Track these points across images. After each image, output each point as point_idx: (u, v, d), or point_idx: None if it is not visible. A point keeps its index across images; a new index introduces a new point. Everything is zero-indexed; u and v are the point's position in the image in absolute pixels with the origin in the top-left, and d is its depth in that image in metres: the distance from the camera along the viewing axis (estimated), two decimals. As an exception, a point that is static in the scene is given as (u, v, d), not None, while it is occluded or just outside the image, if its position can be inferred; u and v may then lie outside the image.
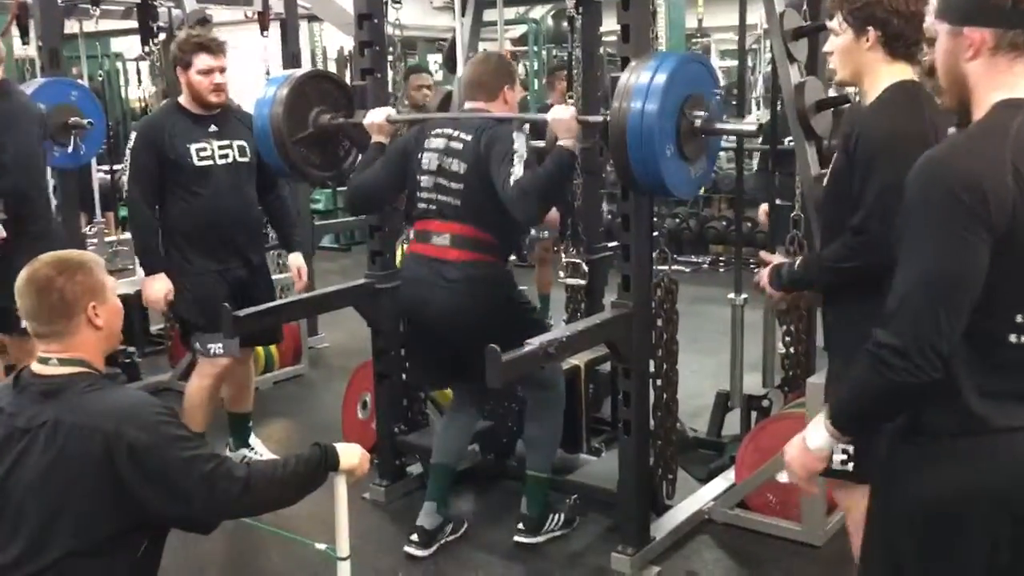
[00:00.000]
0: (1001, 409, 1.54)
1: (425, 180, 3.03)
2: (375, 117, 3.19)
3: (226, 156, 3.59)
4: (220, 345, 3.54)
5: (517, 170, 2.78)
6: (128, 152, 3.60)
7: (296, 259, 3.96)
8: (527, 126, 3.02)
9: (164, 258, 3.58)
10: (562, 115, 2.79)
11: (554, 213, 5.79)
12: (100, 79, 8.19)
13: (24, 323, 1.92)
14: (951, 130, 2.18)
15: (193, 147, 3.52)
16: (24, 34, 4.74)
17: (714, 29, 12.19)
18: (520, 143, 2.85)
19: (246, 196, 3.67)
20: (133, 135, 3.62)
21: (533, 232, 5.79)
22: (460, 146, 2.98)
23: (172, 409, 1.93)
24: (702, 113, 2.57)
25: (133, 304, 4.43)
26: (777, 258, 2.52)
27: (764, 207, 3.81)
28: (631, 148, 2.49)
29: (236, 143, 3.62)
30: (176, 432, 1.85)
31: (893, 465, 1.64)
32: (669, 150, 2.51)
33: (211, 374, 3.62)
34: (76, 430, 1.80)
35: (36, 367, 1.90)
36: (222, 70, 3.56)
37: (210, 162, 3.55)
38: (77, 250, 2.10)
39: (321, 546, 2.11)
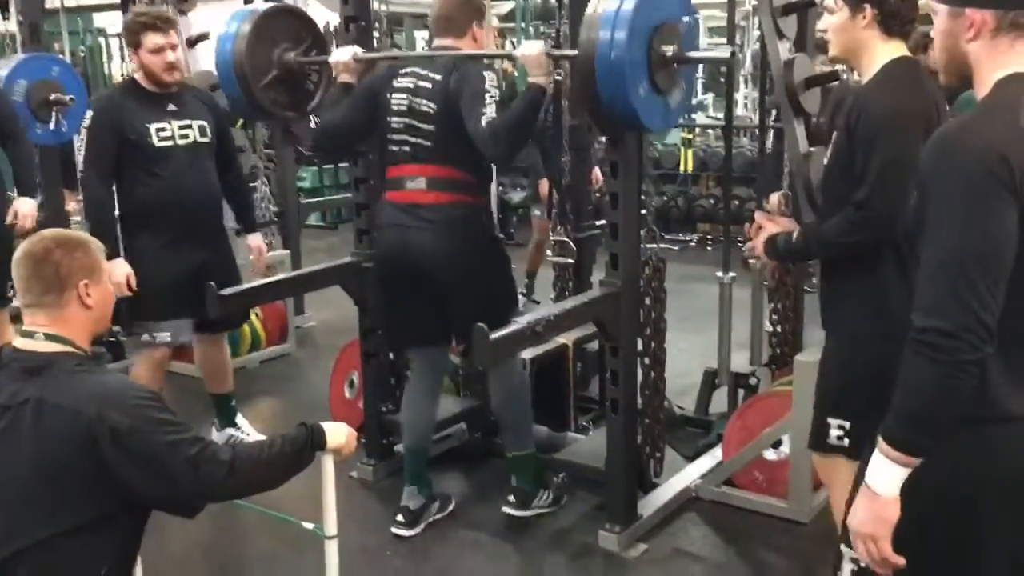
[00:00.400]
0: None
1: (396, 121, 2.97)
2: (341, 56, 3.11)
3: (186, 136, 3.49)
4: (168, 333, 3.48)
5: (489, 110, 2.73)
6: (84, 131, 3.45)
7: (255, 239, 3.90)
8: (497, 64, 3.01)
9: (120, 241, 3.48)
10: (531, 51, 2.72)
11: (546, 188, 5.81)
12: (82, 55, 8.10)
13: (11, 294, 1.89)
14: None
15: (153, 127, 3.42)
16: (4, 9, 4.68)
17: (702, 5, 12.13)
18: (491, 83, 2.80)
19: (208, 177, 3.56)
20: (89, 114, 3.47)
21: (536, 212, 5.79)
22: (429, 85, 2.92)
23: (156, 394, 1.91)
24: (673, 41, 2.46)
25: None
26: (772, 227, 2.47)
27: (775, 196, 3.46)
28: (600, 81, 2.38)
29: (196, 123, 3.52)
30: (159, 416, 1.83)
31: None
32: (640, 82, 2.40)
33: (155, 361, 3.54)
34: (59, 411, 1.77)
35: (20, 342, 1.88)
36: (173, 47, 3.46)
37: (171, 142, 3.45)
38: (81, 232, 2.06)
39: (309, 525, 2.10)
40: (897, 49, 2.20)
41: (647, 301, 3.21)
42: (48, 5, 5.11)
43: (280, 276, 3.98)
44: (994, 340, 1.43)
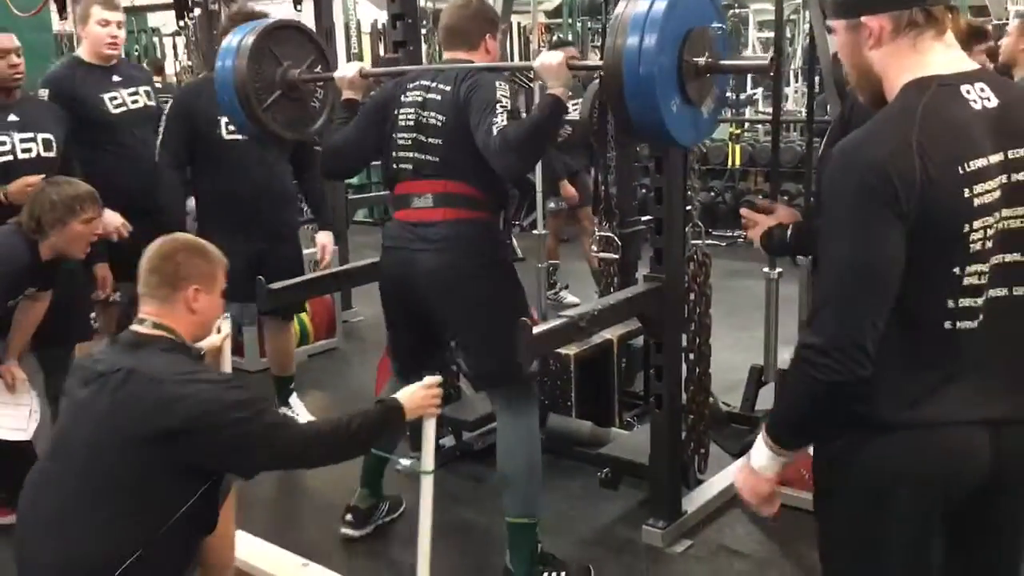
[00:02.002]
0: (938, 403, 1.52)
1: (403, 137, 2.78)
2: (347, 71, 2.93)
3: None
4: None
5: (500, 119, 2.52)
6: (164, 120, 3.65)
7: (323, 237, 4.05)
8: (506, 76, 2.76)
9: None
10: (551, 60, 2.47)
11: (570, 188, 5.80)
12: (136, 54, 8.26)
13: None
14: None
15: (223, 120, 3.55)
16: (62, 9, 4.80)
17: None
18: (504, 92, 2.59)
19: (272, 171, 3.71)
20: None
21: (552, 204, 5.79)
22: (439, 97, 2.72)
23: (234, 377, 2.12)
24: (705, 49, 2.24)
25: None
26: (769, 220, 2.30)
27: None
28: (629, 96, 2.17)
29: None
30: (237, 397, 1.97)
31: (833, 450, 1.63)
32: (672, 96, 2.19)
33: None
34: (145, 381, 1.94)
35: (133, 326, 2.10)
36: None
37: (238, 136, 3.55)
38: (210, 244, 2.28)
39: (406, 461, 2.37)
40: None
41: (692, 297, 3.19)
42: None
43: (327, 271, 4.03)
44: (871, 361, 1.45)
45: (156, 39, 10.24)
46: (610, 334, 3.60)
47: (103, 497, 1.93)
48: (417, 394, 2.24)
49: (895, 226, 1.42)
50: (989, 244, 1.47)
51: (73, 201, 3.04)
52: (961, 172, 1.43)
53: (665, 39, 2.13)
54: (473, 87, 2.65)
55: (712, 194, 8.07)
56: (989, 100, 1.49)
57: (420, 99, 2.76)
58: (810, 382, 1.49)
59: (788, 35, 8.75)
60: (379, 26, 9.61)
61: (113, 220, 3.56)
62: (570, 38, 10.05)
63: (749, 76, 11.43)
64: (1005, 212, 1.48)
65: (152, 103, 3.84)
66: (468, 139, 2.62)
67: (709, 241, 3.29)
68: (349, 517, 3.16)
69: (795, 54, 8.89)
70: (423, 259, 2.73)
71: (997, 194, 1.46)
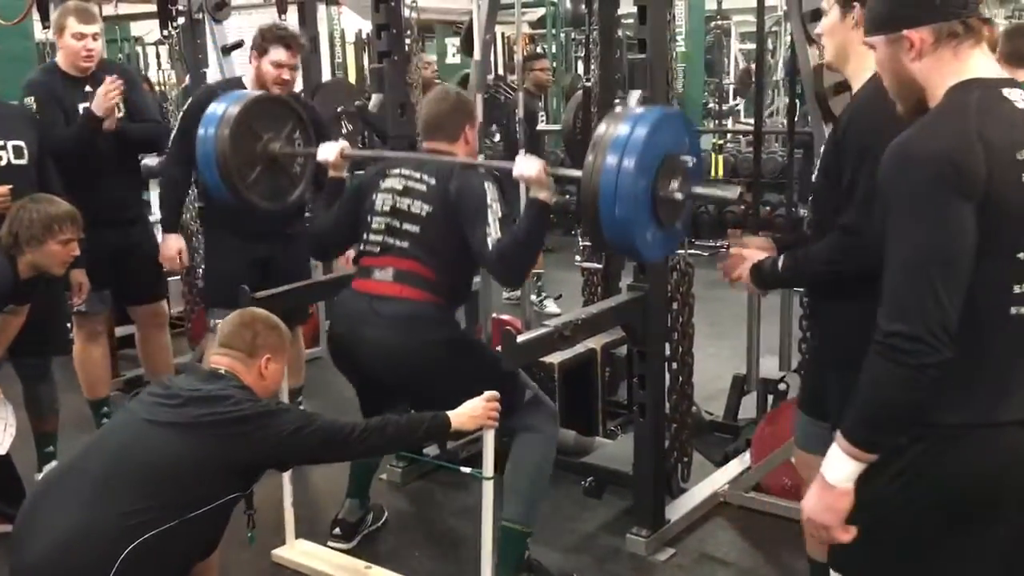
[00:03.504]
0: (1007, 402, 1.55)
1: (376, 222, 2.83)
2: (328, 154, 2.99)
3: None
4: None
5: (493, 231, 2.60)
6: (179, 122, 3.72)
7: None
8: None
9: None
10: (529, 170, 2.51)
11: None
12: (119, 62, 8.22)
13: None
14: None
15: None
16: (45, 18, 4.77)
17: (733, 11, 12.09)
18: (493, 196, 2.67)
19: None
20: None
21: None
22: (424, 188, 2.79)
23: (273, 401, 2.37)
24: (679, 175, 2.30)
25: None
26: (755, 254, 2.31)
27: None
28: (603, 216, 2.23)
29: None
30: (297, 420, 2.28)
31: (908, 456, 1.61)
32: (644, 221, 2.26)
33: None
34: (222, 401, 2.23)
35: (213, 359, 2.39)
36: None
37: None
38: (279, 320, 2.55)
39: (467, 470, 2.55)
40: None
41: (675, 306, 3.22)
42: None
43: (311, 280, 4.02)
44: (953, 344, 1.48)
45: (139, 48, 10.21)
46: (594, 343, 3.62)
47: (139, 483, 2.11)
48: (477, 408, 2.46)
49: (967, 211, 1.48)
50: None
51: (51, 221, 3.05)
52: (1019, 159, 1.50)
53: (642, 164, 2.20)
54: (463, 189, 2.71)
55: (695, 204, 8.11)
56: None
57: (400, 187, 2.82)
58: (899, 370, 1.49)
59: (770, 47, 8.81)
60: (363, 36, 9.63)
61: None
62: (554, 49, 10.11)
63: (732, 87, 11.57)
64: None
65: (122, 114, 3.79)
66: (449, 234, 2.71)
67: (692, 251, 3.31)
68: (337, 530, 3.15)
69: (777, 66, 8.95)
70: (374, 335, 2.73)
71: None
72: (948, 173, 1.48)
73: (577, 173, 2.35)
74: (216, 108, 3.03)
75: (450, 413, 2.45)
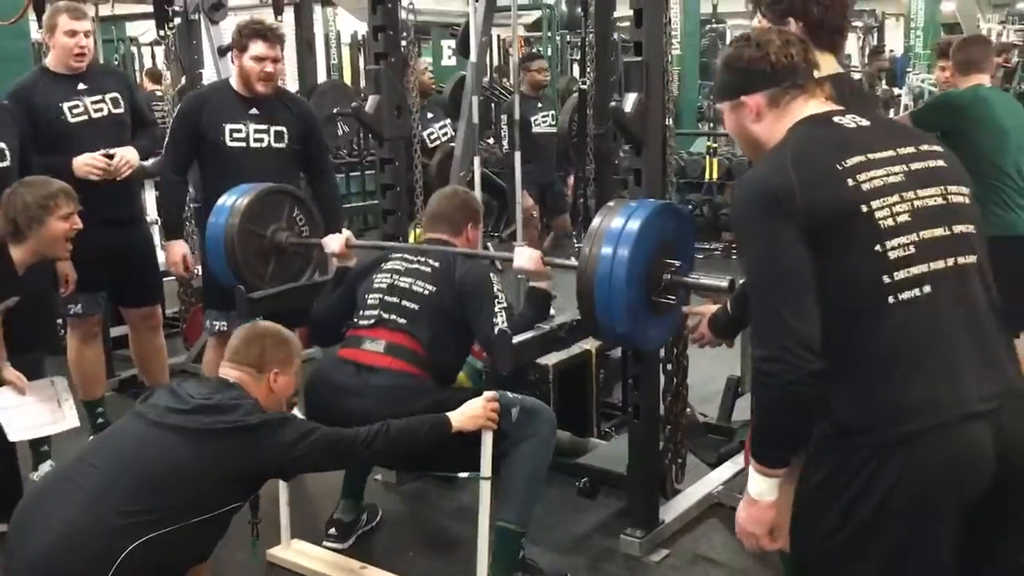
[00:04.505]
0: (922, 404, 1.57)
1: (373, 298, 2.90)
2: (333, 245, 3.12)
3: (261, 140, 3.65)
4: (224, 323, 3.66)
5: (500, 320, 2.70)
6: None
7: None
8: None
9: None
10: (526, 262, 2.71)
11: (528, 200, 5.85)
12: (115, 63, 8.23)
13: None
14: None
15: (227, 127, 3.60)
16: (41, 17, 4.77)
17: (729, 15, 12.15)
18: (499, 286, 2.80)
19: (278, 181, 3.60)
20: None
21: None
22: (428, 270, 2.89)
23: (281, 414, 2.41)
24: (673, 264, 2.41)
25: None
26: (709, 308, 2.44)
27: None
28: (599, 307, 2.33)
29: (275, 128, 3.67)
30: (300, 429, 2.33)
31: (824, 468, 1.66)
32: (639, 311, 2.37)
33: (218, 348, 3.66)
34: (231, 410, 2.27)
35: (223, 370, 2.44)
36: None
37: (243, 144, 3.60)
38: (292, 335, 2.58)
39: (464, 474, 2.58)
40: (827, 63, 2.06)
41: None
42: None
43: (304, 281, 4.03)
44: (813, 355, 1.55)
45: (135, 48, 10.21)
46: (589, 344, 3.62)
47: (142, 489, 2.13)
48: (477, 408, 2.52)
49: (790, 227, 1.59)
50: (903, 219, 1.61)
51: (47, 199, 2.97)
52: (839, 168, 1.62)
53: (636, 255, 2.31)
54: (470, 278, 2.83)
55: (690, 207, 8.14)
56: (862, 121, 1.72)
57: (401, 268, 2.93)
58: (769, 392, 1.60)
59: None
60: (359, 38, 9.64)
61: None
62: (549, 52, 10.12)
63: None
64: (920, 193, 1.64)
65: (120, 110, 3.77)
66: (448, 316, 2.81)
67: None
68: (333, 531, 3.15)
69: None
70: (359, 406, 2.69)
71: (896, 179, 1.63)
72: (767, 202, 1.61)
73: (573, 263, 2.49)
74: (228, 198, 3.18)
75: (450, 414, 2.47)
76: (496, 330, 2.66)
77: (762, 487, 1.70)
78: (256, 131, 3.62)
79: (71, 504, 2.11)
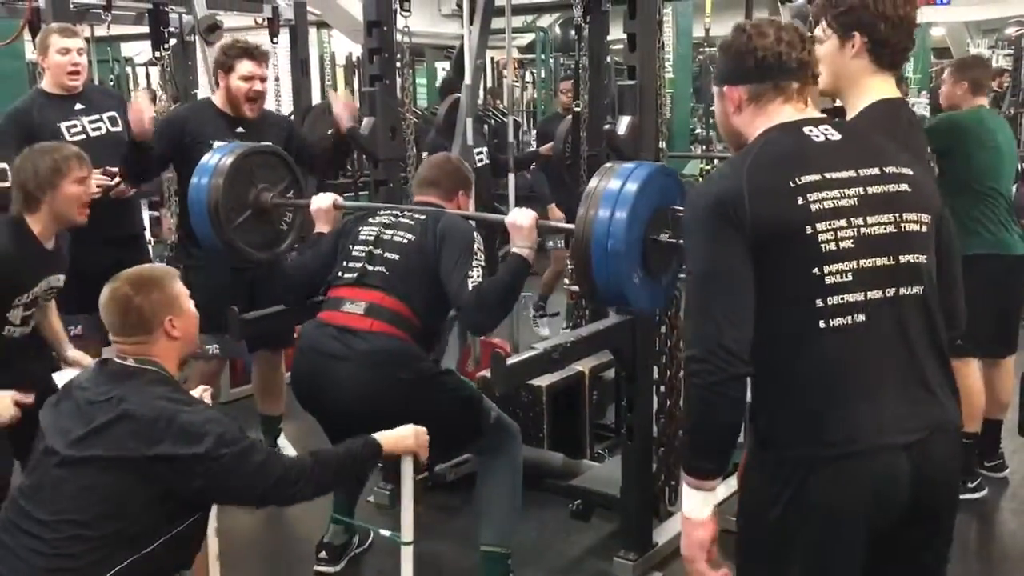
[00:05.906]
0: (848, 426, 1.58)
1: (357, 249, 2.79)
2: (321, 202, 3.02)
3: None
4: (216, 346, 3.60)
5: (475, 275, 2.60)
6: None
7: None
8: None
9: None
10: (522, 221, 2.58)
11: (557, 211, 5.86)
12: (111, 84, 8.24)
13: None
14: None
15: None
16: (35, 39, 4.79)
17: (722, 38, 12.20)
18: (479, 244, 2.69)
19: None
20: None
21: (550, 243, 5.86)
22: (411, 222, 2.80)
23: (220, 415, 2.05)
24: (669, 227, 2.38)
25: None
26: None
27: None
28: (596, 267, 2.31)
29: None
30: (221, 431, 1.96)
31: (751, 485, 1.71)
32: (635, 270, 2.34)
33: (205, 373, 3.68)
34: (133, 412, 1.95)
35: (118, 359, 2.09)
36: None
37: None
38: (151, 265, 2.24)
39: (386, 533, 2.30)
40: (885, 85, 2.07)
41: (663, 329, 3.23)
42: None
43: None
44: (741, 360, 1.56)
45: (130, 69, 10.24)
46: (582, 366, 3.63)
47: (81, 521, 1.91)
48: (408, 433, 2.27)
49: (735, 234, 1.59)
50: (846, 245, 1.59)
51: (57, 163, 2.83)
52: (792, 185, 1.60)
53: (634, 217, 2.28)
54: (452, 228, 2.72)
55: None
56: (833, 135, 1.68)
57: (388, 221, 2.83)
58: (695, 392, 1.60)
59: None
60: (353, 59, 9.69)
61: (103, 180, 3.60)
62: (543, 75, 10.18)
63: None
64: (870, 219, 1.61)
65: (118, 128, 3.79)
66: (426, 266, 2.69)
67: (680, 275, 3.32)
68: (323, 554, 3.13)
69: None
70: (342, 370, 2.63)
71: (848, 202, 1.61)
72: (716, 205, 1.60)
73: (570, 227, 2.43)
74: (211, 157, 3.11)
75: (378, 436, 2.25)
76: (469, 285, 2.58)
77: (693, 502, 1.67)
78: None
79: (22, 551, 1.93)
